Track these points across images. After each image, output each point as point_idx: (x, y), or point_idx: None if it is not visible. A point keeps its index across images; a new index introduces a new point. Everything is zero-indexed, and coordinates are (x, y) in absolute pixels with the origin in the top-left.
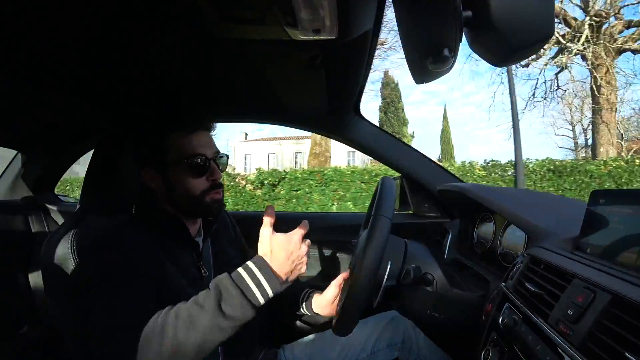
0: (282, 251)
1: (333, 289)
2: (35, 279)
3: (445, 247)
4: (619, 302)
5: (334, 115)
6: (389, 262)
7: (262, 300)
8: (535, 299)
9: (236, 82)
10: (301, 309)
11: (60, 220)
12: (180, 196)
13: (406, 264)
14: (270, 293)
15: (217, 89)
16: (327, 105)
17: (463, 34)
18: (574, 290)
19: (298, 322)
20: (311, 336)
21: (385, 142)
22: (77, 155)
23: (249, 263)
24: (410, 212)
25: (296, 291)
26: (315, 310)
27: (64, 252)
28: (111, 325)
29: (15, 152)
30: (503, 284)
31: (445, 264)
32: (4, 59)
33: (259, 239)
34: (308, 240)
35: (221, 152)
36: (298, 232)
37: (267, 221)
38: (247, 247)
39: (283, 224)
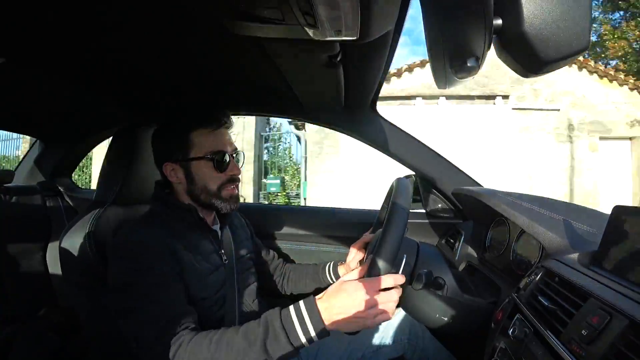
0: (354, 299)
1: (353, 256)
2: (52, 262)
3: (458, 249)
4: (637, 328)
5: (350, 111)
6: (404, 255)
7: (304, 344)
8: (548, 314)
9: (254, 78)
10: (330, 282)
11: (76, 205)
12: (199, 189)
13: (418, 267)
14: (313, 337)
15: (233, 84)
16: (343, 101)
17: (491, 42)
18: (589, 310)
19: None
20: None
21: (400, 140)
22: (94, 144)
23: (300, 304)
24: (423, 211)
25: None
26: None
27: (82, 242)
28: (150, 331)
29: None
30: (515, 294)
31: (457, 267)
32: (28, 53)
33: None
34: (397, 289)
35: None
36: (384, 280)
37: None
38: (260, 242)
39: (293, 216)
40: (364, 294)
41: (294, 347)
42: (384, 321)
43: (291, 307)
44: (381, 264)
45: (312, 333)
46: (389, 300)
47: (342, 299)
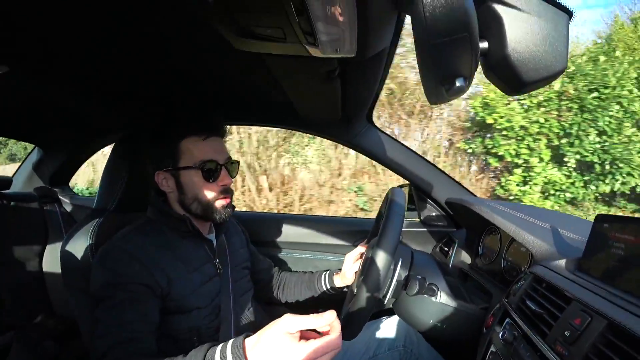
0: (279, 350)
1: (349, 265)
2: (48, 269)
3: (451, 257)
4: (615, 329)
5: (347, 123)
6: (400, 259)
7: None
8: (535, 317)
9: (252, 88)
10: (325, 290)
11: (74, 213)
12: (191, 200)
13: (412, 274)
14: None
15: (232, 96)
16: (340, 113)
17: (478, 63)
18: (572, 312)
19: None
20: None
21: (395, 151)
22: (92, 151)
23: (228, 345)
24: (417, 220)
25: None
26: (338, 286)
27: (83, 249)
28: (108, 337)
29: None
30: (505, 299)
31: (450, 273)
32: (27, 60)
33: (273, 325)
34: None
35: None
36: (315, 345)
37: (296, 322)
38: (256, 250)
39: (289, 224)
40: (300, 350)
41: None
42: None
43: (218, 348)
44: (379, 262)
45: None
46: None
47: (275, 350)
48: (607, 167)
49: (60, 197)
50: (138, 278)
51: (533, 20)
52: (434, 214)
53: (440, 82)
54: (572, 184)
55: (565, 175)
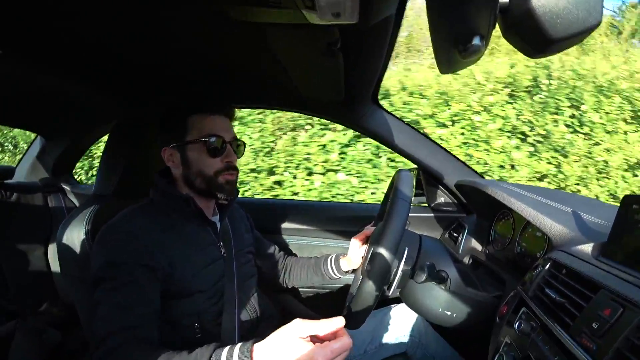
0: (288, 356)
1: (355, 249)
2: (53, 258)
3: (461, 243)
4: None
5: (351, 103)
6: (406, 247)
7: None
8: (555, 307)
9: (252, 68)
10: (332, 274)
11: (77, 201)
12: (195, 174)
13: (420, 260)
14: None
15: (234, 74)
16: (344, 93)
17: (496, 21)
18: (600, 302)
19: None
20: None
21: (403, 133)
22: (94, 138)
23: (235, 349)
24: (426, 205)
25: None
26: (344, 270)
27: (79, 236)
28: (109, 322)
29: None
30: (520, 287)
31: (461, 260)
32: (27, 49)
33: (283, 330)
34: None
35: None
36: (325, 350)
37: (314, 327)
38: (260, 235)
39: (294, 211)
40: (318, 352)
41: None
42: None
43: (225, 349)
44: (383, 252)
45: None
46: None
47: (288, 356)
48: None
49: (63, 186)
50: (139, 259)
51: None
52: (442, 199)
53: (453, 44)
54: None
55: None
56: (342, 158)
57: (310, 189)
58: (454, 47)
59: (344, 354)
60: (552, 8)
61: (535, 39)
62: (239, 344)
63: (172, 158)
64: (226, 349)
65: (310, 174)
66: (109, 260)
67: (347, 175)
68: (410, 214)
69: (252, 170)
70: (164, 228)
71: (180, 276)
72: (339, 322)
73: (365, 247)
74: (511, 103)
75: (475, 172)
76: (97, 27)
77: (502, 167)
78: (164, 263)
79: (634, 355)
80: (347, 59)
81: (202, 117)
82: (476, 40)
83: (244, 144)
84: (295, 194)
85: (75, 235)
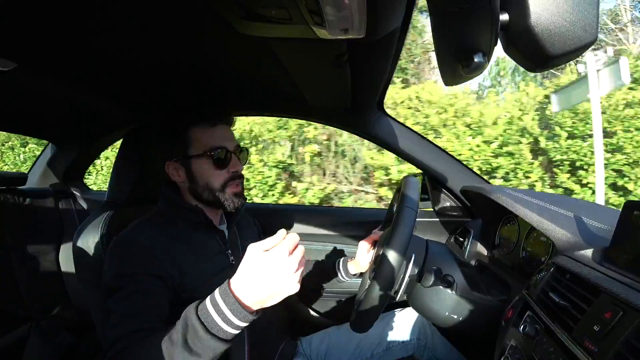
0: (260, 274)
1: (363, 253)
2: (65, 263)
3: (467, 247)
4: None
5: (357, 111)
6: (413, 254)
7: (232, 332)
8: (559, 310)
9: (259, 77)
10: (340, 277)
11: (89, 208)
12: (202, 188)
13: (427, 265)
14: (240, 324)
15: (242, 83)
16: (350, 101)
17: (498, 38)
18: (602, 305)
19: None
20: (328, 329)
21: (408, 140)
22: (105, 146)
23: (215, 293)
24: (431, 209)
25: (329, 267)
26: (352, 273)
27: (95, 242)
28: (119, 328)
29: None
30: (525, 291)
31: (466, 264)
32: (41, 61)
33: (246, 257)
34: (299, 253)
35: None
36: (281, 248)
37: (267, 243)
38: None
39: (301, 216)
40: (275, 260)
41: (218, 337)
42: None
43: (207, 298)
44: (392, 257)
45: (233, 319)
46: (291, 267)
47: (256, 273)
48: None
49: (74, 192)
50: (149, 269)
51: None
52: (448, 204)
53: (457, 58)
54: None
55: None
56: None
57: None
58: (457, 62)
59: (299, 245)
60: (549, 26)
61: (535, 55)
62: (217, 288)
63: (177, 173)
64: (207, 297)
65: None
66: (120, 272)
67: None
68: (416, 219)
69: None
70: (173, 238)
71: (190, 284)
72: (281, 232)
73: (373, 251)
74: None
75: (480, 176)
76: (109, 38)
77: None
78: (174, 272)
79: (634, 357)
80: (354, 70)
81: (204, 129)
82: (478, 57)
83: (247, 150)
84: None
85: (91, 241)
